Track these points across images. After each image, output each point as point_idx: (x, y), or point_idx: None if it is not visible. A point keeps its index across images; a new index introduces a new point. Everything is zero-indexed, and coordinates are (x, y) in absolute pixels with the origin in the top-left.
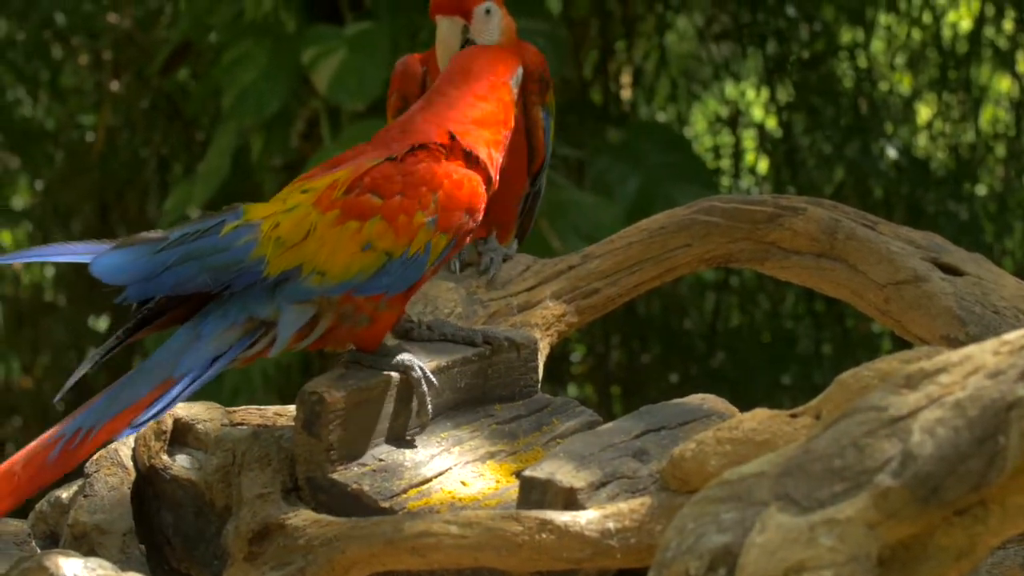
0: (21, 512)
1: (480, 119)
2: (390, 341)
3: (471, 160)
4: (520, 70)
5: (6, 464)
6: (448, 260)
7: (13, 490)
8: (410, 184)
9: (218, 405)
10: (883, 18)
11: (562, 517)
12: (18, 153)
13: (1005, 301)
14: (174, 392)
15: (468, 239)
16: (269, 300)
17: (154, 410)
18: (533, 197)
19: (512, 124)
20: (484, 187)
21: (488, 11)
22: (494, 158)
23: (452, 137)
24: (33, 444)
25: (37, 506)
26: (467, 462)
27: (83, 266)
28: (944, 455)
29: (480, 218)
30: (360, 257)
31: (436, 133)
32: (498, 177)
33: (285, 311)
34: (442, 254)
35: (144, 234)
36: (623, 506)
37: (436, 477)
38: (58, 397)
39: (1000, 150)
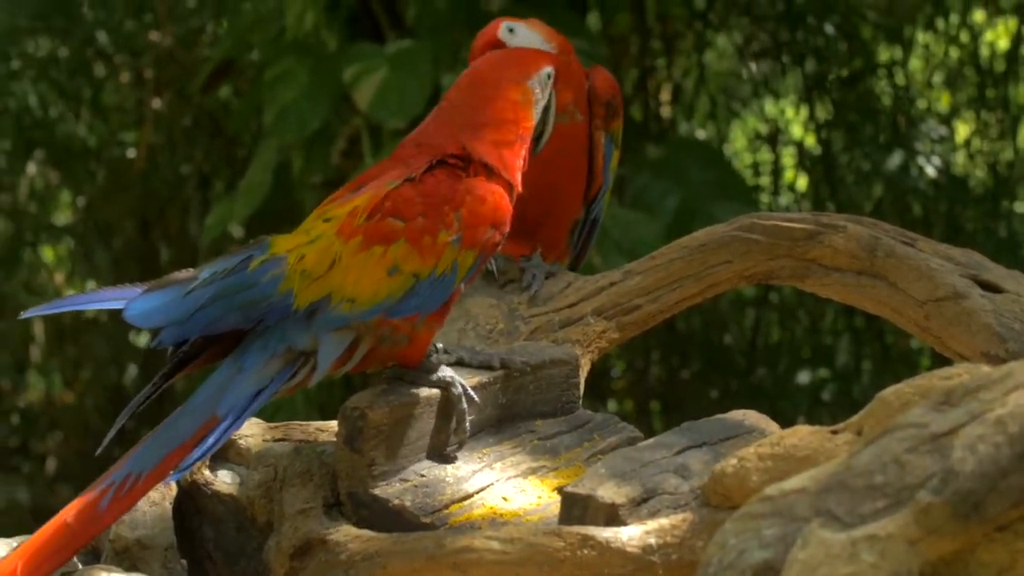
0: None
1: (488, 121)
2: (433, 357)
3: (489, 170)
4: (546, 70)
5: (60, 515)
6: (478, 274)
7: (69, 542)
8: (431, 204)
9: (260, 420)
10: (921, 36)
11: (604, 533)
12: (60, 169)
13: None
14: (219, 431)
15: (496, 250)
16: (306, 330)
17: (200, 451)
18: (589, 226)
19: (528, 123)
20: (507, 196)
21: (511, 30)
22: (508, 160)
23: (464, 149)
24: (85, 494)
25: None
26: (509, 477)
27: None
28: (985, 471)
29: (507, 230)
30: (388, 281)
31: (449, 144)
32: (519, 177)
33: (324, 340)
34: (470, 271)
35: (175, 275)
36: (665, 522)
37: (478, 492)
38: (100, 450)
39: None
